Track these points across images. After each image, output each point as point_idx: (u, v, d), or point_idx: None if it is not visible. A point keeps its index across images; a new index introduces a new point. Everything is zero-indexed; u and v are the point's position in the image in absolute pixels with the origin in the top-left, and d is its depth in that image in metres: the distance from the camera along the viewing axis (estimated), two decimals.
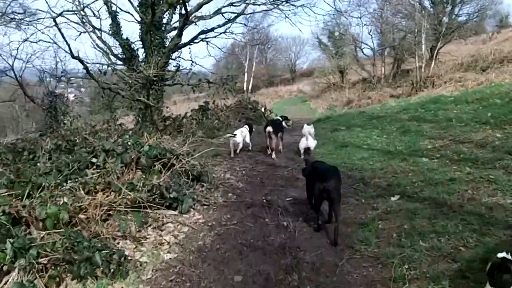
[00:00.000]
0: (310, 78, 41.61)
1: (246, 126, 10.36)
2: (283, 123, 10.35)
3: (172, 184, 5.92)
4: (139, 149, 6.25)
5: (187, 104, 17.57)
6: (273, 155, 9.34)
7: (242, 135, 9.83)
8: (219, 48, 26.47)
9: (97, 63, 15.44)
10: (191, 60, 17.46)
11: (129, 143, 6.22)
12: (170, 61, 16.87)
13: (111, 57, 17.64)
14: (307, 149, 9.09)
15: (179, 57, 17.48)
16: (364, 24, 31.39)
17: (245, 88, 44.52)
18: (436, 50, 23.61)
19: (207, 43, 19.81)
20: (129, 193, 5.34)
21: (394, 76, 28.69)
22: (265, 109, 20.06)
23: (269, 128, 9.17)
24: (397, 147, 8.30)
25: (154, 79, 13.83)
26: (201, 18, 17.97)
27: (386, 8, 28.25)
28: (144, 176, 5.87)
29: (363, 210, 5.43)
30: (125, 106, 15.58)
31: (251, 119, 17.87)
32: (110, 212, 5.18)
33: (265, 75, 52.48)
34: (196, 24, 18.48)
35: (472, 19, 26.86)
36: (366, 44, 32.95)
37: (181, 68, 17.00)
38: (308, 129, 9.20)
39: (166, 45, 16.18)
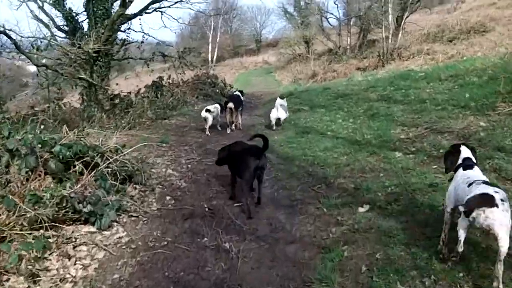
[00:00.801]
0: (275, 49, 40.23)
1: (217, 105, 10.04)
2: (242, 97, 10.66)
3: (89, 193, 4.72)
4: (49, 149, 4.98)
5: (147, 80, 15.86)
6: (228, 130, 9.68)
7: (216, 110, 9.79)
8: (174, 19, 24.42)
9: (33, 37, 13.48)
10: (143, 32, 15.77)
11: (34, 143, 4.87)
12: (119, 34, 15.10)
13: (54, 30, 15.77)
14: (277, 120, 9.29)
15: (129, 29, 15.69)
16: None
17: (209, 59, 42.96)
18: (403, 20, 22.70)
19: (162, 14, 18.03)
20: (29, 209, 4.13)
21: (360, 46, 27.76)
22: (225, 84, 18.80)
23: (230, 105, 9.51)
24: (365, 135, 7.27)
25: (95, 54, 12.18)
26: None
27: None
28: (52, 185, 4.63)
29: (325, 225, 4.37)
30: (68, 85, 13.84)
31: (209, 95, 16.77)
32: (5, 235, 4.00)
33: (230, 46, 50.74)
34: None
35: None
36: (332, 14, 32.01)
37: (131, 41, 15.28)
38: (280, 102, 9.67)
39: None
